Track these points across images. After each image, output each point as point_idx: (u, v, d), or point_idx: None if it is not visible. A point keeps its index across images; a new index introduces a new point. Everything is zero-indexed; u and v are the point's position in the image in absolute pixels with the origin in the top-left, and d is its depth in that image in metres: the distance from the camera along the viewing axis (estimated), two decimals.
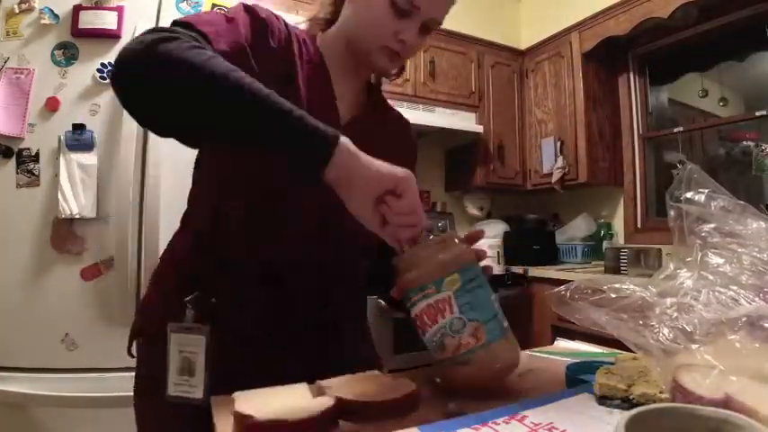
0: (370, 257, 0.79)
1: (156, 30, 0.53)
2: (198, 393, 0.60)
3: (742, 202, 0.55)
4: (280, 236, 0.68)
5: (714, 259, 0.52)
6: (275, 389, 0.53)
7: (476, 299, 0.56)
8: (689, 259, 0.53)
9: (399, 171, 0.53)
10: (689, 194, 0.55)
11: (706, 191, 0.55)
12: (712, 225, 0.53)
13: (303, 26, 0.79)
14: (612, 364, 0.58)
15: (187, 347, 0.61)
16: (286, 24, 0.71)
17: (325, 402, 0.46)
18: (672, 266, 0.55)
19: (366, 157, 0.52)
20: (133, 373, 0.73)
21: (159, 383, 0.62)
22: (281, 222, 0.68)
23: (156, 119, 0.54)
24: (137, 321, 0.74)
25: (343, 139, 0.51)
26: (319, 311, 0.72)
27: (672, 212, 0.56)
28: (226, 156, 0.67)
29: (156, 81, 0.50)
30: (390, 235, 0.55)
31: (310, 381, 0.55)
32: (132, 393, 0.73)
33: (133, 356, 0.73)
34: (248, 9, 0.67)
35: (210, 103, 0.50)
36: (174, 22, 0.59)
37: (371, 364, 0.65)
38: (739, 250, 0.51)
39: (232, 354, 0.64)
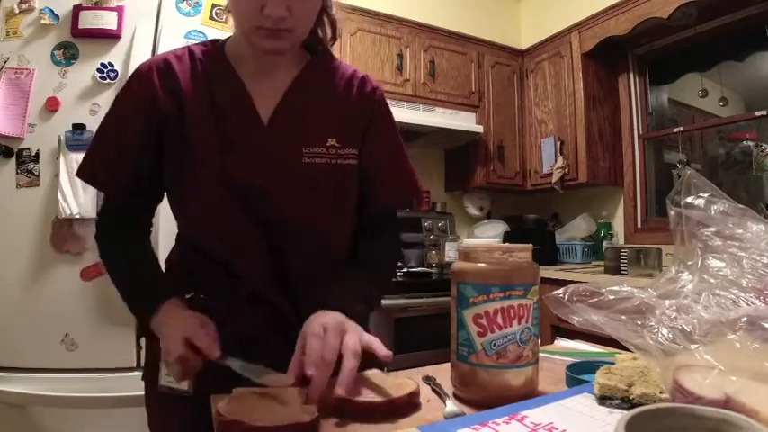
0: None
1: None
2: (185, 385, 0.65)
3: (742, 206, 0.55)
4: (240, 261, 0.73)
5: (715, 263, 0.52)
6: (272, 390, 0.53)
7: (539, 318, 0.57)
8: (690, 263, 0.53)
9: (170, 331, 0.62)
10: (689, 199, 0.56)
11: (706, 195, 0.55)
12: (713, 229, 0.54)
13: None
14: (612, 364, 0.59)
15: None
16: (168, 62, 0.72)
17: (308, 411, 0.46)
18: (673, 270, 0.55)
19: (172, 317, 0.65)
20: (132, 373, 0.75)
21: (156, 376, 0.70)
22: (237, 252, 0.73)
23: None
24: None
25: (164, 307, 0.66)
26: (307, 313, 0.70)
27: (673, 217, 0.56)
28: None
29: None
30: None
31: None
32: (142, 393, 0.77)
33: (141, 347, 0.79)
34: (124, 96, 0.74)
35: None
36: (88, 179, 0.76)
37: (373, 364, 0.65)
38: (740, 254, 0.51)
39: (232, 348, 0.64)
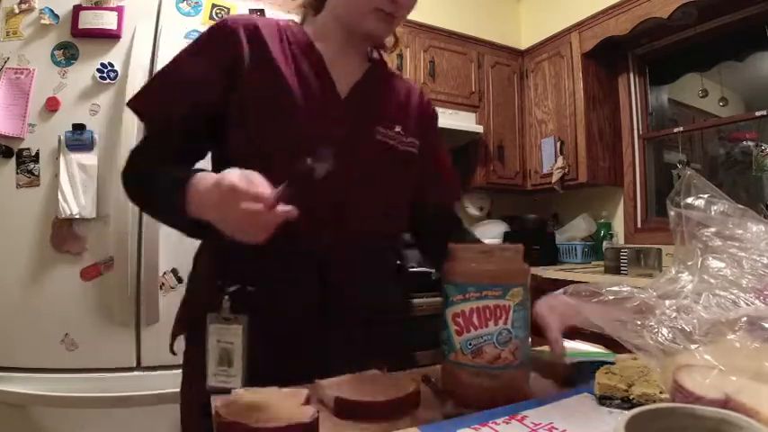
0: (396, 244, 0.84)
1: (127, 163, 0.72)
2: (236, 383, 0.60)
3: (742, 207, 0.55)
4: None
5: (715, 263, 0.52)
6: (272, 390, 0.53)
7: (524, 320, 0.55)
8: (690, 263, 0.53)
9: (224, 176, 0.53)
10: (689, 200, 0.56)
11: (706, 196, 0.55)
12: (713, 229, 0.54)
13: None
14: (613, 363, 0.59)
15: (225, 338, 0.61)
16: (255, 25, 0.73)
17: (307, 413, 0.46)
18: (673, 270, 0.55)
19: (206, 180, 0.56)
20: (132, 373, 0.74)
21: (200, 372, 0.63)
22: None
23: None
24: (178, 315, 0.77)
25: (195, 179, 0.58)
26: (358, 302, 0.71)
27: (673, 217, 0.56)
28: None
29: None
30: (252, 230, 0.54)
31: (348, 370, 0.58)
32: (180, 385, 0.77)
33: (175, 354, 0.75)
34: (208, 39, 0.73)
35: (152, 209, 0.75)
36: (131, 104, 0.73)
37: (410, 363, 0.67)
38: (740, 254, 0.51)
39: (277, 342, 0.64)
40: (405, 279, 0.86)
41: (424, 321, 2.10)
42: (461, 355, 0.54)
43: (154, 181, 0.66)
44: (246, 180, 0.52)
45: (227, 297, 0.63)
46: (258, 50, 0.71)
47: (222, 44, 0.71)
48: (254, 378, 0.59)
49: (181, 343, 0.75)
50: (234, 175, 0.53)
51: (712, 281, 0.51)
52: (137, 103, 0.72)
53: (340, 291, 0.70)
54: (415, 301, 2.07)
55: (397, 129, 0.78)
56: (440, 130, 0.96)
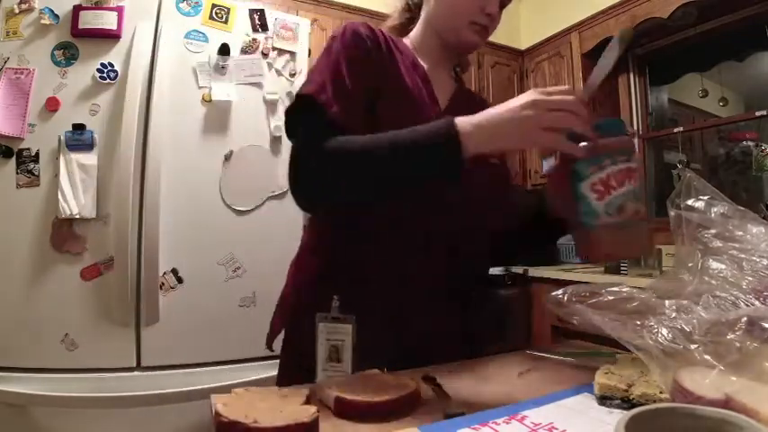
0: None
1: (306, 143, 0.66)
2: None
3: (742, 208, 0.56)
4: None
5: (715, 264, 0.52)
6: (272, 390, 0.53)
7: (643, 184, 0.61)
8: (690, 264, 0.53)
9: (522, 98, 0.58)
10: (689, 202, 0.57)
11: (706, 197, 0.56)
12: (713, 231, 0.54)
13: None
14: (613, 356, 0.59)
15: (335, 336, 0.65)
16: (384, 36, 0.77)
17: (307, 412, 0.46)
18: (673, 272, 0.55)
19: (487, 113, 0.59)
20: (132, 373, 0.74)
21: (300, 368, 0.67)
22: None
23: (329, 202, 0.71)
24: (275, 321, 0.81)
25: (457, 119, 0.60)
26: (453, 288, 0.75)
27: (673, 218, 0.57)
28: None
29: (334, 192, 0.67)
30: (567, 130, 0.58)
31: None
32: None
33: (273, 350, 0.80)
34: (346, 45, 0.72)
35: (374, 186, 0.65)
36: (298, 96, 0.69)
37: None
38: (740, 255, 0.51)
39: (376, 335, 0.67)
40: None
41: None
42: (606, 217, 0.59)
43: (381, 141, 0.62)
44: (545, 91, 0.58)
45: (336, 297, 0.66)
46: (381, 59, 0.73)
47: (365, 48, 0.72)
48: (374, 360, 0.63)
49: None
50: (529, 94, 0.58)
51: (713, 282, 0.51)
52: (315, 95, 0.67)
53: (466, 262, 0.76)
54: None
55: None
56: None
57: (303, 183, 0.66)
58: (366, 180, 0.64)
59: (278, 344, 0.80)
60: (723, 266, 0.52)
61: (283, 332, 0.79)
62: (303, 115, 0.68)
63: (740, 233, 0.53)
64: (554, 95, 0.58)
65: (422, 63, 0.79)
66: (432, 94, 0.78)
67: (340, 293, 0.66)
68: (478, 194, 0.76)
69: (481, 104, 0.85)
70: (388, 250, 0.72)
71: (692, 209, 0.56)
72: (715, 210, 0.55)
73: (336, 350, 0.65)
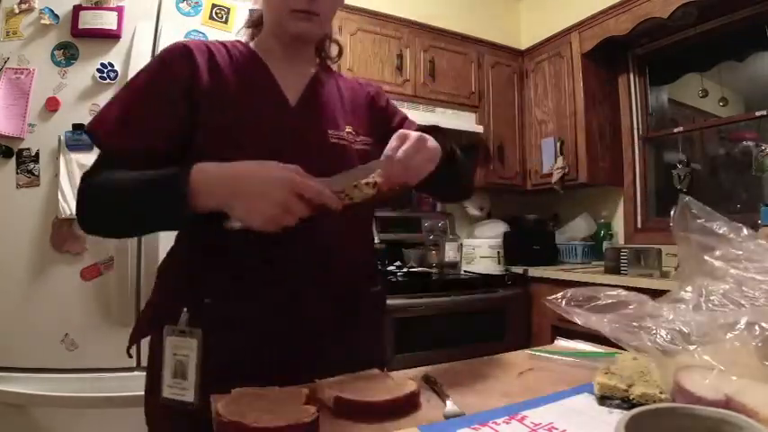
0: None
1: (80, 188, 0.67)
2: (189, 397, 0.60)
3: (738, 225, 0.56)
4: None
5: (716, 284, 0.52)
6: (272, 389, 0.53)
7: None
8: (690, 287, 0.54)
9: (276, 174, 0.58)
10: (691, 225, 0.57)
11: (703, 219, 0.56)
12: (715, 252, 0.54)
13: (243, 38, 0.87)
14: (613, 356, 0.59)
15: (180, 351, 0.62)
16: (206, 45, 0.76)
17: (307, 412, 0.46)
18: (676, 290, 0.56)
19: (234, 167, 0.59)
20: (132, 373, 0.73)
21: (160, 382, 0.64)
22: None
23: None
24: (138, 322, 0.77)
25: (199, 168, 0.59)
26: (326, 308, 0.72)
27: (679, 242, 0.57)
28: None
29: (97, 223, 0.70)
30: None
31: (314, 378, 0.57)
32: (142, 392, 0.76)
33: (131, 356, 0.75)
34: (159, 66, 0.73)
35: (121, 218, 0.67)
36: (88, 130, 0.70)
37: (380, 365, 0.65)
38: (743, 274, 0.51)
39: (236, 353, 0.64)
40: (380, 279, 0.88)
41: (424, 321, 2.11)
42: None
43: (124, 183, 0.64)
44: (297, 170, 0.58)
45: (185, 310, 0.63)
46: (211, 70, 0.73)
47: (178, 68, 0.71)
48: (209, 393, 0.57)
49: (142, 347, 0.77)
50: (277, 164, 0.58)
51: (713, 297, 0.51)
52: (96, 130, 0.69)
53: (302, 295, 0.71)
54: (415, 301, 2.07)
55: (348, 129, 0.80)
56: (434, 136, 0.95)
57: (77, 213, 0.68)
58: (115, 215, 0.67)
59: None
60: (726, 287, 0.52)
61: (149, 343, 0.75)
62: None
63: (738, 252, 0.53)
64: (310, 184, 0.57)
65: (265, 63, 0.78)
66: (278, 93, 0.76)
67: (197, 305, 0.64)
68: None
69: (344, 90, 0.86)
70: (243, 259, 0.69)
71: (693, 231, 0.57)
72: (715, 228, 0.56)
73: (182, 365, 0.61)
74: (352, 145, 0.79)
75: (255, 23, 0.86)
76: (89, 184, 0.66)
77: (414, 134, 0.66)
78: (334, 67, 0.94)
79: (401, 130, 0.68)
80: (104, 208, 0.66)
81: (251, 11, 0.87)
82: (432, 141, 0.68)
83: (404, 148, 0.64)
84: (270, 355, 0.67)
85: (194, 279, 0.70)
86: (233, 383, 0.54)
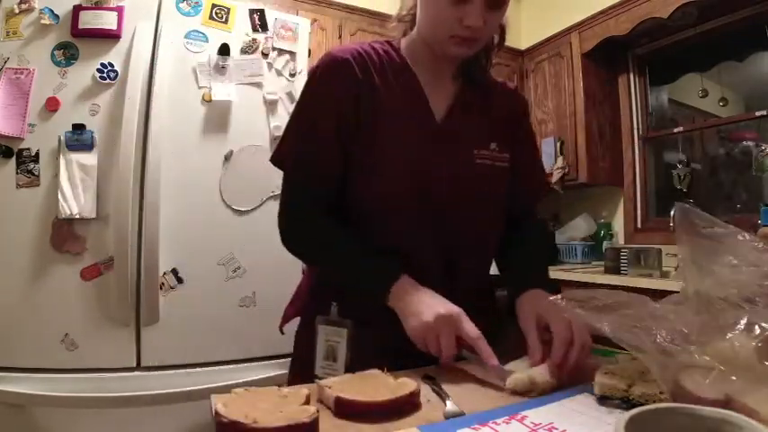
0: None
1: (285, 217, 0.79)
2: (339, 375, 0.67)
3: (735, 229, 0.56)
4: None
5: (716, 290, 0.52)
6: (272, 389, 0.53)
7: None
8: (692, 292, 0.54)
9: (444, 310, 0.65)
10: (691, 230, 0.57)
11: (703, 225, 0.57)
12: (715, 257, 0.54)
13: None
14: (613, 356, 0.59)
15: (332, 337, 0.73)
16: (360, 53, 0.77)
17: (307, 412, 0.46)
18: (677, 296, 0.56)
19: (420, 295, 0.68)
20: (132, 373, 0.74)
21: (306, 364, 0.74)
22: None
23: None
24: (289, 308, 0.89)
25: (402, 280, 0.69)
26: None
27: (680, 246, 0.57)
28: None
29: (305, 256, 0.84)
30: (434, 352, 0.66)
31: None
32: None
33: (283, 333, 0.88)
34: (315, 92, 0.77)
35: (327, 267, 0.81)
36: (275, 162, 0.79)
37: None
38: (741, 278, 0.51)
39: (375, 342, 0.70)
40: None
41: None
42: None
43: (340, 258, 0.75)
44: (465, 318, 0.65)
45: (334, 303, 0.74)
46: (368, 84, 0.75)
47: (340, 86, 0.74)
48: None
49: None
50: (453, 308, 0.66)
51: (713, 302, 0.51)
52: (280, 162, 0.78)
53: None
54: None
55: (493, 146, 0.80)
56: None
57: (284, 241, 0.79)
58: (323, 266, 0.81)
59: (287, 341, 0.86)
60: (725, 293, 0.52)
61: (296, 328, 0.85)
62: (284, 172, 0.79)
63: (736, 261, 0.54)
64: (466, 330, 0.65)
65: (417, 74, 0.79)
66: (426, 108, 0.77)
67: (340, 300, 0.74)
68: (472, 203, 0.78)
69: (489, 98, 0.84)
70: None
71: (694, 236, 0.57)
72: (715, 233, 0.56)
73: (333, 350, 0.72)
74: (496, 162, 0.80)
75: (405, 19, 0.83)
76: (302, 219, 0.77)
77: (578, 341, 0.64)
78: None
79: (562, 333, 0.64)
80: (316, 257, 0.81)
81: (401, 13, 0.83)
82: (588, 338, 0.65)
83: (573, 356, 0.63)
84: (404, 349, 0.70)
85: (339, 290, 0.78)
86: (372, 366, 0.62)
